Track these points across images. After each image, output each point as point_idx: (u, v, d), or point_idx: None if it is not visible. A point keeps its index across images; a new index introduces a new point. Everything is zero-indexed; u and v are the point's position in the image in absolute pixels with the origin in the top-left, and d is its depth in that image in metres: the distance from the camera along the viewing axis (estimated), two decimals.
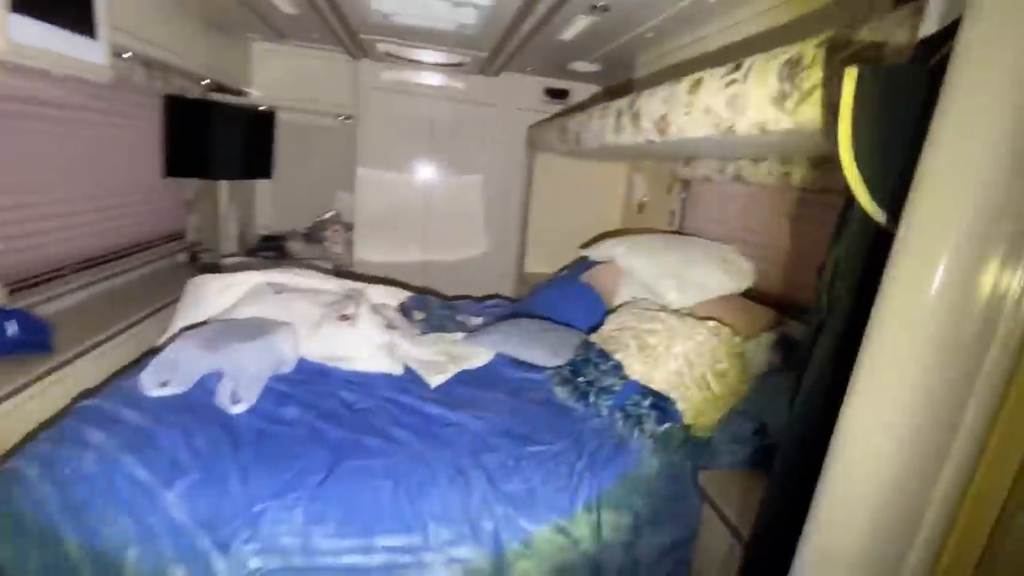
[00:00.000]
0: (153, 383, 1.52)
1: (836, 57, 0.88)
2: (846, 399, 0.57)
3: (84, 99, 2.11)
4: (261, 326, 1.81)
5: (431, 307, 2.49)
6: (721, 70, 1.23)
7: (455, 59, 3.06)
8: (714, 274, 2.07)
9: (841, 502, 0.60)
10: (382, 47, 2.94)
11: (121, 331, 1.89)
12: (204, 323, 1.90)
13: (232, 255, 3.43)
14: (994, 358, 0.51)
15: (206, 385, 1.56)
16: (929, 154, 0.49)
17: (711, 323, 1.75)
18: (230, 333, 1.74)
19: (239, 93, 3.26)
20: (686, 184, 2.73)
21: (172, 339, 1.77)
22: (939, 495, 0.56)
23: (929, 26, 0.61)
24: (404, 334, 2.05)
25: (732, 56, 1.21)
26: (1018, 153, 0.45)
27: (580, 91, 3.68)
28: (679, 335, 1.69)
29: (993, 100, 0.46)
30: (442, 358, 1.98)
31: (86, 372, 1.68)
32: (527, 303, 2.69)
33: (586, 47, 2.61)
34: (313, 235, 3.86)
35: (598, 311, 2.24)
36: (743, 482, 1.40)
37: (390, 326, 2.02)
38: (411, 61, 3.26)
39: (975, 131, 0.46)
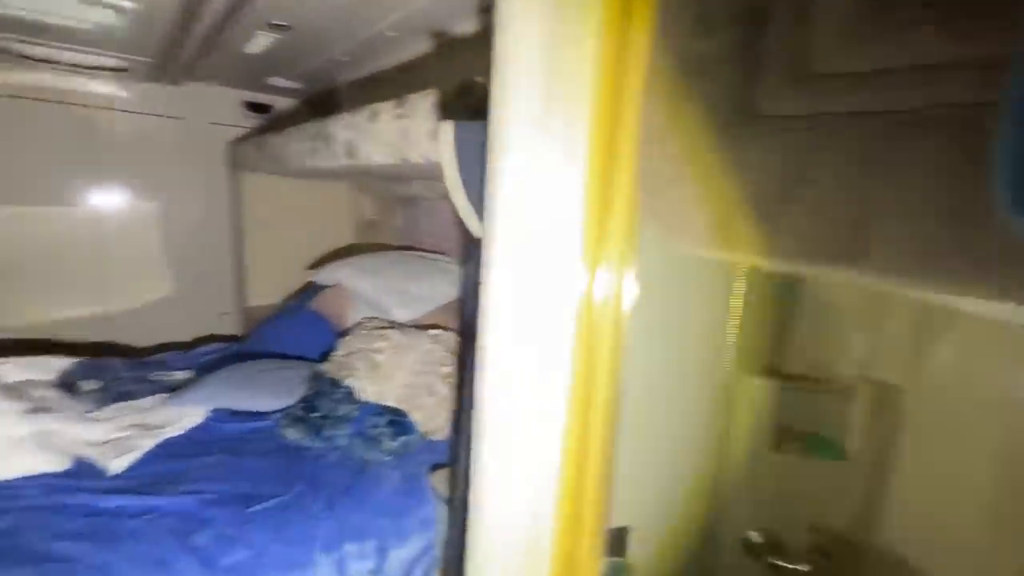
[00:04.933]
0: None
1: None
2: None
3: None
4: None
5: (110, 372, 1.98)
6: (390, 104, 1.33)
7: (110, 63, 2.50)
8: (437, 285, 2.23)
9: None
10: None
11: None
12: None
13: None
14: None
15: None
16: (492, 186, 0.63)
17: (432, 331, 1.89)
18: None
19: None
20: (406, 202, 2.86)
21: None
22: None
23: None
24: (65, 416, 1.57)
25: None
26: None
27: (284, 105, 3.46)
28: (404, 348, 1.76)
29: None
30: (128, 433, 1.60)
31: None
32: (252, 341, 2.41)
33: (279, 64, 2.47)
34: None
35: (328, 338, 2.16)
36: None
37: (37, 409, 1.52)
38: (45, 62, 2.52)
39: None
